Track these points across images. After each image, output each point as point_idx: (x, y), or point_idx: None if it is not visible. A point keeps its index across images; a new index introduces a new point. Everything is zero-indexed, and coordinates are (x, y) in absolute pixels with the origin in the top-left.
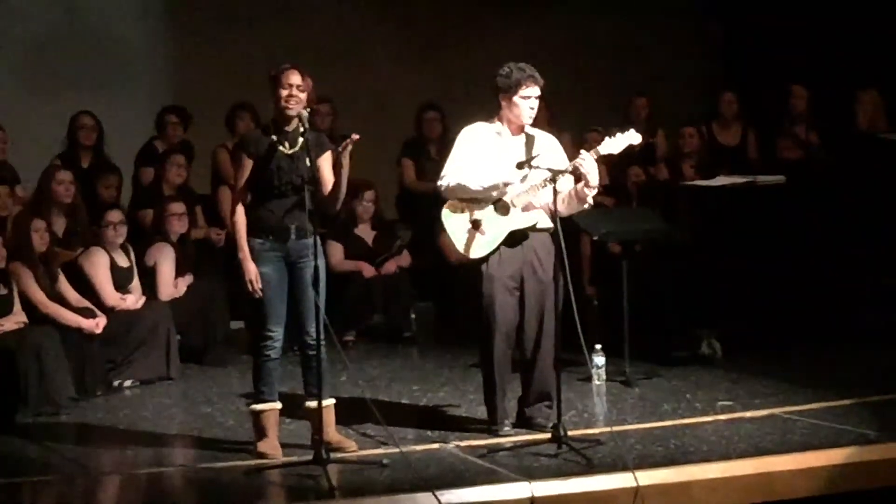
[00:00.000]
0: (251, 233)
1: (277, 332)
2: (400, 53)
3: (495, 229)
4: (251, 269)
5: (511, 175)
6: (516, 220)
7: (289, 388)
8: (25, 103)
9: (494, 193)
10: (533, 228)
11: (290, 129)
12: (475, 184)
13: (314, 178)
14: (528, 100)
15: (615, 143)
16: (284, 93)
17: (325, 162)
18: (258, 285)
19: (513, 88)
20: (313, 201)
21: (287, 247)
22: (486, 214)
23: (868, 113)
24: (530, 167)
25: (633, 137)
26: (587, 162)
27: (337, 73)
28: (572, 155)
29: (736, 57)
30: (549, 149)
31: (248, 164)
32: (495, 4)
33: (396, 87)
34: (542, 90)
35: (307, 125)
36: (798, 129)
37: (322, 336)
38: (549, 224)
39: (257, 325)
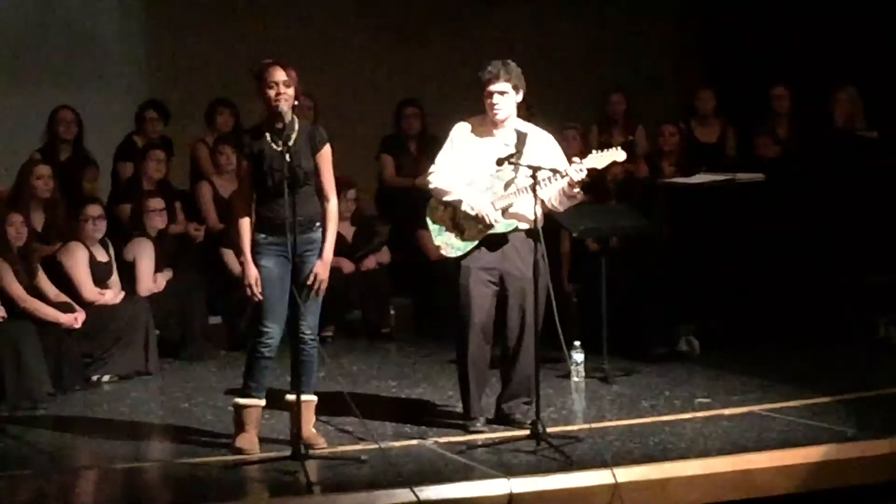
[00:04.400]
0: (254, 228)
1: (273, 329)
2: (378, 49)
3: (475, 231)
4: (251, 273)
5: (486, 204)
6: (496, 225)
7: (268, 384)
8: (3, 98)
9: (468, 209)
10: (513, 231)
11: (279, 126)
12: (454, 195)
13: (298, 176)
14: (490, 96)
15: (600, 159)
16: (272, 92)
17: (324, 157)
18: (258, 289)
19: (480, 87)
20: (312, 197)
21: (288, 242)
22: (467, 216)
23: (845, 111)
24: (511, 164)
25: (618, 155)
26: (583, 173)
27: (316, 69)
28: None
29: (715, 54)
30: (542, 147)
31: (246, 166)
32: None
33: (375, 82)
34: (513, 85)
35: (293, 120)
36: (778, 129)
37: (312, 333)
38: (528, 224)
39: (254, 320)
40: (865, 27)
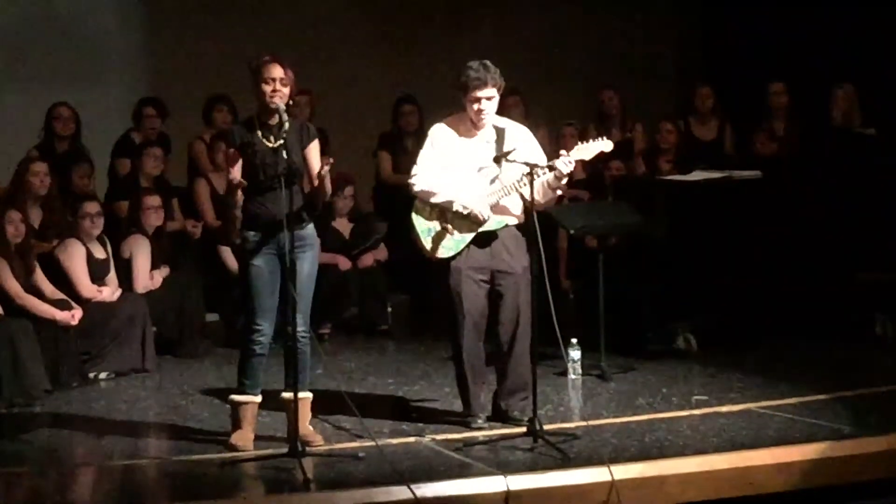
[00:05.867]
0: (244, 226)
1: (265, 326)
2: (376, 46)
3: (465, 230)
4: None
5: (478, 201)
6: (488, 220)
7: (264, 382)
8: (2, 96)
9: (460, 208)
10: (502, 227)
11: (272, 122)
12: (442, 195)
13: (293, 171)
14: (478, 102)
15: (587, 150)
16: (268, 88)
17: (313, 151)
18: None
19: (463, 91)
20: (300, 194)
21: (278, 239)
22: (456, 216)
23: (843, 108)
24: (508, 161)
25: (605, 145)
26: (572, 165)
27: (313, 66)
28: (548, 149)
29: (713, 51)
30: (521, 141)
31: (234, 153)
32: None
33: (372, 79)
34: (497, 88)
35: (286, 118)
36: (776, 126)
37: (304, 329)
38: (517, 219)
39: (246, 317)
40: (863, 25)
